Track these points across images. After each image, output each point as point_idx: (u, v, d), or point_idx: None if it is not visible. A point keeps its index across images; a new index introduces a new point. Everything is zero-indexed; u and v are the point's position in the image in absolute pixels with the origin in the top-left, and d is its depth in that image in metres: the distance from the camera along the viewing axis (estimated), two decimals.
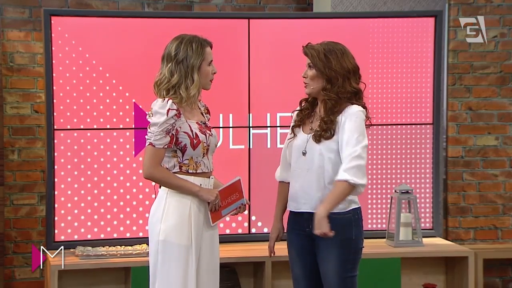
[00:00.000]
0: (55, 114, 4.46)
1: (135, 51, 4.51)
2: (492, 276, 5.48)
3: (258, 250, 4.43)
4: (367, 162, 3.45)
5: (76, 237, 4.48)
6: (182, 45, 3.46)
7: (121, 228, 4.55)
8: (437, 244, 4.69)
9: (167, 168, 3.47)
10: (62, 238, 4.47)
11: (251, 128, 4.69)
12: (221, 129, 4.63)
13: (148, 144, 3.42)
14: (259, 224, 4.72)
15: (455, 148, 5.41)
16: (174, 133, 3.41)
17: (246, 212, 4.69)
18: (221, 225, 4.52)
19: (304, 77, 3.52)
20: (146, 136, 3.44)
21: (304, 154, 3.49)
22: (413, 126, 4.81)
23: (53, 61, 4.44)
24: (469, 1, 5.36)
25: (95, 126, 4.51)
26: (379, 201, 4.80)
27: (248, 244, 4.61)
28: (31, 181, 5.22)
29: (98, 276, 4.32)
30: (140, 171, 4.48)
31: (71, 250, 4.34)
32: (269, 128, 4.70)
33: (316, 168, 3.45)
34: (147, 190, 4.50)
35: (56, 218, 4.46)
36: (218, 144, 4.55)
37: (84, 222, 4.50)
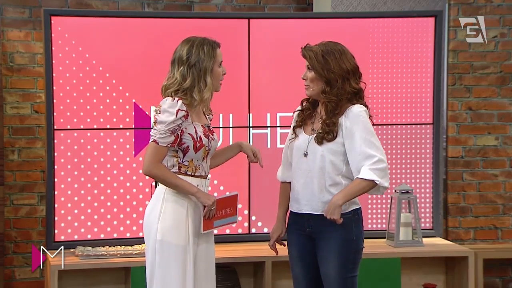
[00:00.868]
0: (55, 114, 4.46)
1: (135, 51, 4.51)
2: (492, 276, 5.48)
3: (258, 250, 4.44)
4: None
5: (76, 237, 4.48)
6: (193, 48, 3.44)
7: (121, 228, 4.55)
8: (437, 244, 4.69)
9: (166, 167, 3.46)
10: (62, 238, 4.47)
11: (251, 128, 4.69)
12: (221, 129, 4.63)
13: (152, 141, 3.41)
14: (259, 224, 4.72)
15: (455, 148, 5.41)
16: (179, 133, 3.40)
17: (246, 212, 4.69)
18: None
19: (304, 79, 3.51)
20: (151, 132, 3.42)
21: (305, 155, 3.49)
22: (413, 126, 4.81)
23: (53, 61, 4.44)
24: (469, 1, 5.36)
25: (95, 126, 4.51)
26: (379, 201, 4.80)
27: (248, 244, 4.61)
28: (31, 181, 5.22)
29: (98, 276, 4.32)
30: (140, 171, 4.50)
31: (71, 250, 4.34)
32: (269, 128, 4.70)
33: (317, 169, 3.45)
34: (147, 190, 4.50)
35: (56, 218, 4.46)
36: (218, 144, 4.57)
37: (84, 222, 4.50)
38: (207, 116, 3.59)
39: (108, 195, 4.52)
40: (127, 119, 4.54)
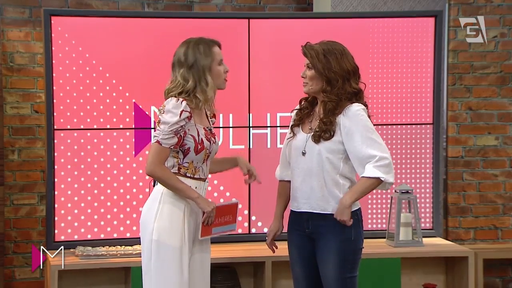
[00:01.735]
0: (55, 114, 4.46)
1: (135, 51, 4.51)
2: (492, 276, 5.48)
3: (258, 250, 4.44)
4: None
5: (76, 237, 4.49)
6: (189, 49, 3.44)
7: (121, 228, 4.55)
8: (437, 244, 4.69)
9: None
10: (62, 238, 4.47)
11: (251, 128, 4.69)
12: (221, 129, 4.63)
13: (155, 142, 3.40)
14: (259, 224, 4.72)
15: (455, 148, 5.41)
16: (182, 135, 3.40)
17: (246, 212, 4.69)
18: None
19: (303, 77, 3.52)
20: (154, 133, 3.41)
21: (303, 154, 3.49)
22: (413, 126, 4.81)
23: (53, 61, 4.44)
24: (469, 1, 5.36)
25: (95, 126, 4.51)
26: (379, 201, 4.80)
27: (248, 244, 4.61)
28: (31, 181, 5.22)
29: (98, 276, 4.32)
30: (140, 171, 4.51)
31: (71, 250, 4.34)
32: (269, 128, 4.70)
33: (315, 168, 3.45)
34: (147, 190, 4.49)
35: (56, 218, 4.46)
36: (218, 144, 4.57)
37: (84, 222, 4.50)
38: (209, 119, 3.59)
39: (108, 195, 4.52)
40: (127, 119, 4.54)
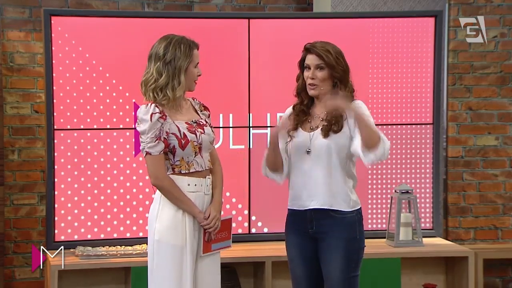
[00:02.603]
0: (55, 114, 4.46)
1: (135, 51, 4.51)
2: (492, 276, 5.48)
3: (258, 250, 4.44)
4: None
5: (76, 237, 4.48)
6: (170, 46, 3.46)
7: (121, 228, 4.55)
8: (437, 244, 4.69)
9: None
10: (62, 238, 4.47)
11: (251, 128, 4.69)
12: (221, 129, 4.63)
13: (146, 154, 3.42)
14: (259, 224, 4.71)
15: (455, 148, 5.41)
16: (165, 137, 3.41)
17: (246, 212, 4.69)
18: None
19: (312, 79, 3.50)
20: (140, 147, 3.45)
21: (308, 152, 3.48)
22: (413, 126, 4.81)
23: (53, 61, 4.44)
24: (469, 1, 5.36)
25: (95, 126, 4.51)
26: (379, 201, 4.80)
27: (248, 244, 4.61)
28: (31, 181, 5.22)
29: (98, 276, 4.32)
30: (141, 171, 4.51)
31: (71, 250, 4.34)
32: (269, 128, 4.70)
33: (323, 163, 3.44)
34: (147, 190, 4.51)
35: (56, 218, 4.46)
36: (218, 144, 4.57)
37: (84, 222, 4.50)
38: (200, 112, 3.59)
39: (108, 195, 4.52)
40: (127, 119, 4.54)
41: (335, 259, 3.43)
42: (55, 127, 4.46)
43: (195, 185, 3.46)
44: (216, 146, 4.51)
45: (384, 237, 4.68)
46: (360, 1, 5.37)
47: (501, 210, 5.44)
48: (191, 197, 3.44)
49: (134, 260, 4.24)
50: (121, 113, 4.53)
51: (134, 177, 4.54)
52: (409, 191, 4.59)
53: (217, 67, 4.61)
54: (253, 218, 4.71)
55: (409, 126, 4.81)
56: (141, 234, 4.53)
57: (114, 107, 4.53)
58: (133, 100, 4.53)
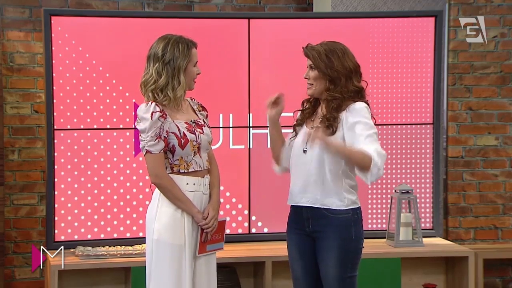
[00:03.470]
0: (55, 114, 4.46)
1: (135, 51, 4.50)
2: (492, 276, 5.48)
3: (258, 250, 4.44)
4: None
5: (76, 237, 4.48)
6: (169, 46, 3.46)
7: (121, 228, 4.55)
8: (437, 244, 4.69)
9: None
10: (62, 238, 4.47)
11: (251, 128, 4.69)
12: (221, 129, 4.63)
13: (146, 153, 3.42)
14: (259, 224, 4.71)
15: (455, 148, 5.41)
16: (165, 136, 3.41)
17: (246, 212, 4.69)
18: None
19: (306, 78, 3.52)
20: (140, 145, 3.45)
21: (304, 151, 3.50)
22: (413, 126, 4.81)
23: (53, 61, 4.44)
24: (469, 1, 5.36)
25: (95, 126, 4.51)
26: (379, 201, 4.80)
27: (248, 244, 4.61)
28: (31, 181, 5.22)
29: (98, 276, 4.32)
30: (141, 171, 4.51)
31: (71, 250, 4.34)
32: (269, 128, 4.68)
33: (316, 164, 3.45)
34: (147, 190, 4.50)
35: (56, 218, 4.46)
36: (218, 144, 4.57)
37: (84, 222, 4.50)
38: (198, 113, 3.59)
39: (108, 195, 4.52)
40: (127, 119, 4.54)
41: (330, 259, 3.44)
42: (55, 127, 4.46)
43: (194, 184, 3.46)
44: (216, 146, 4.53)
45: (384, 237, 4.68)
46: (360, 1, 5.37)
47: (501, 210, 5.44)
48: (189, 196, 3.45)
49: (134, 260, 4.24)
50: (121, 113, 4.53)
51: (134, 177, 4.54)
52: (409, 191, 4.60)
53: (217, 67, 4.61)
54: (253, 218, 4.71)
55: (409, 126, 4.81)
56: (141, 234, 4.53)
57: (114, 107, 4.53)
58: (133, 100, 4.53)
